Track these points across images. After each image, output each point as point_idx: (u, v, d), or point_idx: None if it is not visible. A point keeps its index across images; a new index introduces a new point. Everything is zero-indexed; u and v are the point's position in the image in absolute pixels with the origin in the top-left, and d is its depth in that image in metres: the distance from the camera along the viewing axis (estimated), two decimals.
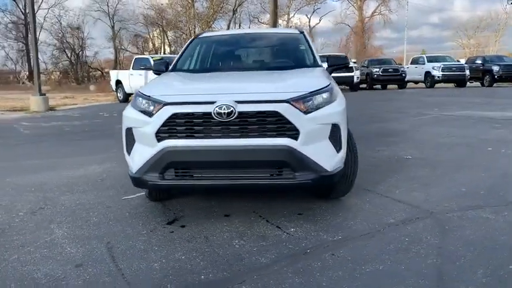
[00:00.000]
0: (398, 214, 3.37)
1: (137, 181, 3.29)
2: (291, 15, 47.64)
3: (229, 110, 3.03)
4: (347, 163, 3.46)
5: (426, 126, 7.99)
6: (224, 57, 5.17)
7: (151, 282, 2.41)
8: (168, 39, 43.79)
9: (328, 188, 3.74)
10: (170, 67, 4.62)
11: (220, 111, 3.03)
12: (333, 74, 4.41)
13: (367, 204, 3.64)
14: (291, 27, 37.09)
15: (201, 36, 5.37)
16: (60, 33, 42.39)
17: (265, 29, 5.46)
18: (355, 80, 21.59)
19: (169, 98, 3.23)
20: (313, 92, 3.27)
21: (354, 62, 24.83)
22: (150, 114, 3.20)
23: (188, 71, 4.71)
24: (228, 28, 39.57)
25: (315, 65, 4.44)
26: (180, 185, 3.33)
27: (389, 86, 24.25)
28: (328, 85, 3.41)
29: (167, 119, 3.11)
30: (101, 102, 19.03)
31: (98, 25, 60.79)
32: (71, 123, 10.68)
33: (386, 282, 2.33)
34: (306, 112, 3.14)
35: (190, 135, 3.11)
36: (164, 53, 40.78)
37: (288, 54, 4.95)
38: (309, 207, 3.59)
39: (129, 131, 3.35)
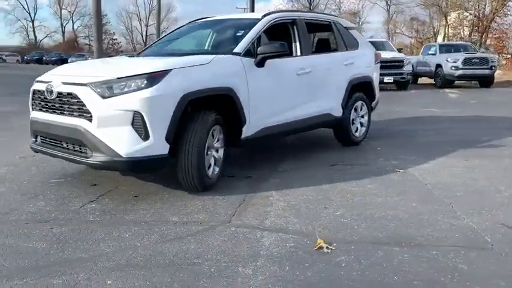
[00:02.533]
0: None
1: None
2: None
3: (50, 89, 3.61)
4: None
5: None
6: (169, 42, 5.30)
7: None
8: (447, 22, 38.94)
9: None
10: None
11: (46, 89, 3.64)
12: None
13: None
14: None
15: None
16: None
17: (231, 15, 5.18)
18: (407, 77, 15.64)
19: (44, 76, 3.94)
20: (121, 77, 3.36)
21: (399, 49, 17.95)
22: None
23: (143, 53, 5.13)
24: None
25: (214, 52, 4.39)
26: (42, 151, 3.87)
27: (457, 82, 17.67)
28: (149, 72, 3.39)
29: (32, 93, 3.92)
30: None
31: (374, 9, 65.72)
32: None
33: None
34: (104, 97, 3.31)
35: (39, 109, 3.82)
36: (445, 38, 37.41)
37: (224, 41, 4.86)
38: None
39: None
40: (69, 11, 69.92)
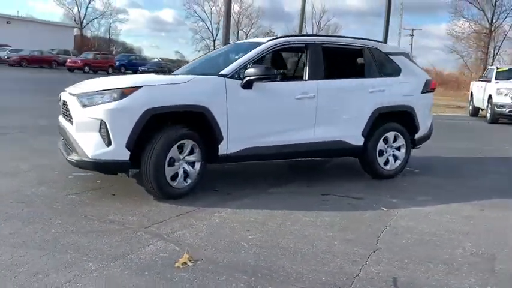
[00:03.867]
0: None
1: None
2: None
3: (59, 98, 4.51)
4: None
5: None
6: (196, 64, 5.69)
7: None
8: None
9: None
10: None
11: (58, 97, 4.56)
12: None
13: None
14: None
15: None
16: None
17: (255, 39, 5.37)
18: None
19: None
20: (99, 91, 3.97)
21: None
22: None
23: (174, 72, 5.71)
24: None
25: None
26: (59, 149, 4.51)
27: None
28: (121, 88, 3.92)
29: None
30: None
31: None
32: None
33: None
34: (84, 106, 3.93)
35: (61, 114, 4.59)
36: None
37: (224, 63, 4.83)
38: None
39: None
40: (245, 32, 76.79)
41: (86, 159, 3.88)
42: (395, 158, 5.42)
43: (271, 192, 4.61)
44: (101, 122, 3.82)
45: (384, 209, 4.13)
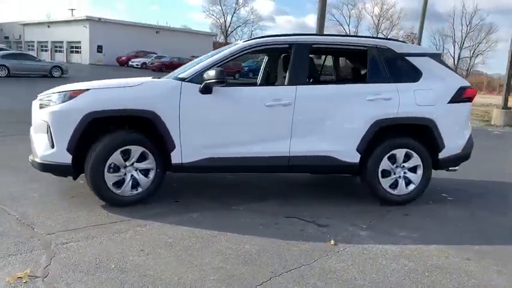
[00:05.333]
0: None
1: None
2: None
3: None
4: None
5: None
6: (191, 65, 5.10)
7: None
8: None
9: None
10: None
11: None
12: None
13: None
14: None
15: None
16: None
17: None
18: None
19: None
20: (53, 93, 4.02)
21: None
22: None
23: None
24: None
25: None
26: None
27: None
28: (68, 90, 3.95)
29: None
30: None
31: None
32: None
33: None
34: (40, 107, 4.02)
35: None
36: None
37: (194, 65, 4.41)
38: None
39: None
40: (385, 35, 73.34)
41: (36, 160, 3.98)
42: (408, 181, 4.46)
43: (234, 209, 4.16)
44: (47, 124, 3.88)
45: (332, 242, 3.40)
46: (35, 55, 30.49)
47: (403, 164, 4.43)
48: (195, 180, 5.01)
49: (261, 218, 3.89)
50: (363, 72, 4.56)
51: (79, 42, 42.28)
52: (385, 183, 4.40)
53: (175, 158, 4.02)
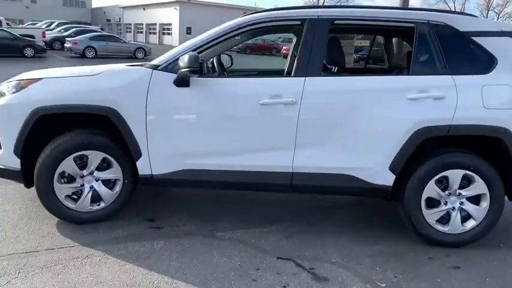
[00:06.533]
0: None
1: None
2: None
3: None
4: None
5: None
6: None
7: None
8: None
9: None
10: None
11: None
12: None
13: None
14: None
15: None
16: None
17: None
18: None
19: None
20: (8, 81, 3.28)
21: None
22: None
23: None
24: None
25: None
26: None
27: None
28: (19, 80, 3.22)
29: None
30: None
31: None
32: None
33: None
34: None
35: None
36: None
37: None
38: None
39: None
40: (497, 13, 65.70)
41: None
42: (466, 215, 3.13)
43: (217, 236, 3.20)
44: None
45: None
46: (132, 37, 31.59)
47: (459, 191, 3.09)
48: (184, 190, 4.10)
49: (241, 259, 2.87)
50: (404, 59, 3.25)
51: (170, 24, 43.39)
52: (431, 216, 3.11)
53: (143, 168, 3.15)
